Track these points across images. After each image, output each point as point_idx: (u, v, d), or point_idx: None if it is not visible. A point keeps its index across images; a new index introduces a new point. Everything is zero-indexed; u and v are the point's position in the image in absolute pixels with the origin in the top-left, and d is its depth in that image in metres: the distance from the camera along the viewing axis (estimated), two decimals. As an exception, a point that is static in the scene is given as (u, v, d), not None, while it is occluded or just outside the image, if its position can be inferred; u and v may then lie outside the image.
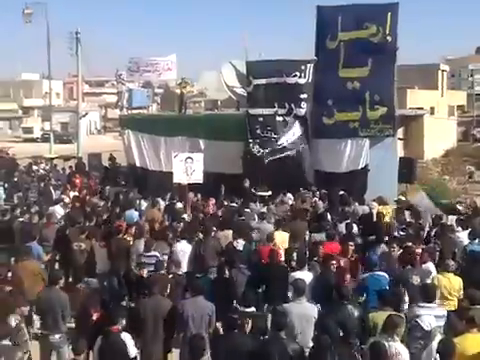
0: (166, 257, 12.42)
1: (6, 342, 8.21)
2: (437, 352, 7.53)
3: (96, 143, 54.55)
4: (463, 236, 13.41)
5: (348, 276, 10.57)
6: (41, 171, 29.88)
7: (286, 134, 21.59)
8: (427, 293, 9.34)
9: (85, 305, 9.67)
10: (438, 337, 8.16)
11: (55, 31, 40.72)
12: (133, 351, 8.44)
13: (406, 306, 9.71)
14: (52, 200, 19.59)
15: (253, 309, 9.08)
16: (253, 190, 20.13)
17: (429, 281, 10.47)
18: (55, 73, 67.48)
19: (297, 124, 21.67)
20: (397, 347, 7.88)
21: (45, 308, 9.72)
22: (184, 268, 12.20)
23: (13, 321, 8.76)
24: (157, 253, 12.27)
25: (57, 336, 9.75)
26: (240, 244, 12.79)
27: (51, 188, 22.18)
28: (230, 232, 13.72)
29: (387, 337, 7.91)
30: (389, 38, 21.29)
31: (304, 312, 9.10)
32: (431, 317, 8.60)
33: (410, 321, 8.86)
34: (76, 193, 21.01)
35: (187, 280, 10.93)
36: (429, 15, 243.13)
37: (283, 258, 12.09)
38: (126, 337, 8.40)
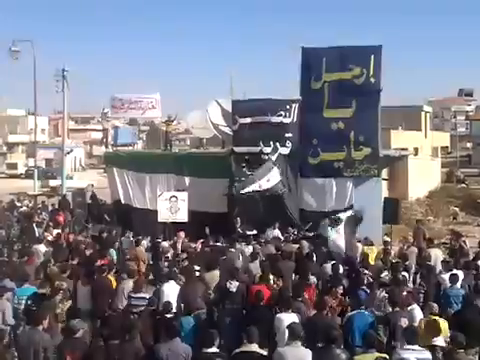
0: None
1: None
2: None
3: (81, 180, 54.29)
4: (447, 278, 13.38)
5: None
6: (24, 208, 29.65)
7: (268, 175, 21.62)
8: (411, 335, 9.30)
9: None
10: None
11: (41, 67, 40.75)
12: None
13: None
14: (35, 238, 19.37)
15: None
16: (239, 229, 20.10)
17: (416, 324, 10.44)
18: (40, 109, 67.48)
19: (278, 165, 21.72)
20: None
21: (26, 349, 9.47)
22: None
23: None
24: (146, 295, 12.11)
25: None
26: (233, 286, 12.54)
27: (34, 225, 21.94)
28: (217, 273, 13.59)
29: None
30: (373, 80, 21.58)
31: (299, 356, 8.97)
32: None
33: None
34: (59, 231, 20.81)
35: (166, 322, 10.66)
36: (412, 57, 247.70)
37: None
38: None
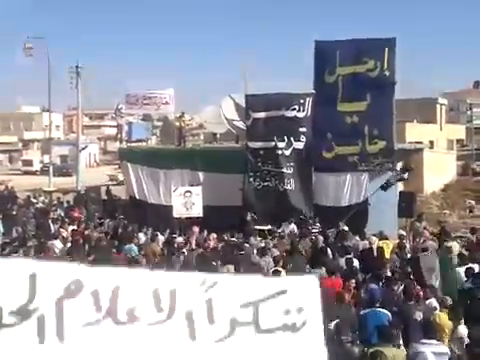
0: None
1: None
2: None
3: (95, 176, 54.54)
4: (462, 272, 13.31)
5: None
6: (40, 204, 29.81)
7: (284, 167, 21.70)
8: (428, 329, 9.25)
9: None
10: None
11: (55, 63, 41.02)
12: None
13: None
14: (51, 234, 19.47)
15: None
16: (251, 224, 20.09)
17: (432, 318, 10.39)
18: (55, 106, 67.68)
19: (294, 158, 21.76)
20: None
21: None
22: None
23: None
24: None
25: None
26: None
27: (50, 222, 22.05)
28: (231, 267, 13.62)
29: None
30: (387, 72, 21.45)
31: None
32: (431, 354, 8.49)
33: (412, 358, 8.76)
34: (74, 227, 20.90)
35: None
36: (426, 50, 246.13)
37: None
38: None
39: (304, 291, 4.12)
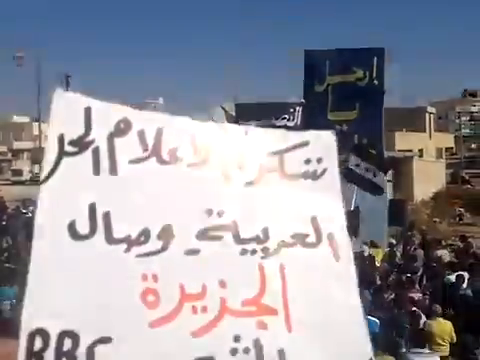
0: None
1: None
2: None
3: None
4: (453, 279, 13.37)
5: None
6: (30, 214, 29.61)
7: None
8: (419, 339, 9.28)
9: None
10: None
11: (46, 73, 40.99)
12: None
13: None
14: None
15: None
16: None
17: (420, 326, 10.42)
18: (45, 115, 67.33)
19: None
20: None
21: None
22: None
23: None
24: None
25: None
26: None
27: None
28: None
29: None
30: (376, 82, 21.45)
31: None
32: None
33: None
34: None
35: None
36: (415, 58, 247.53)
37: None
38: None
39: (323, 143, 4.58)
